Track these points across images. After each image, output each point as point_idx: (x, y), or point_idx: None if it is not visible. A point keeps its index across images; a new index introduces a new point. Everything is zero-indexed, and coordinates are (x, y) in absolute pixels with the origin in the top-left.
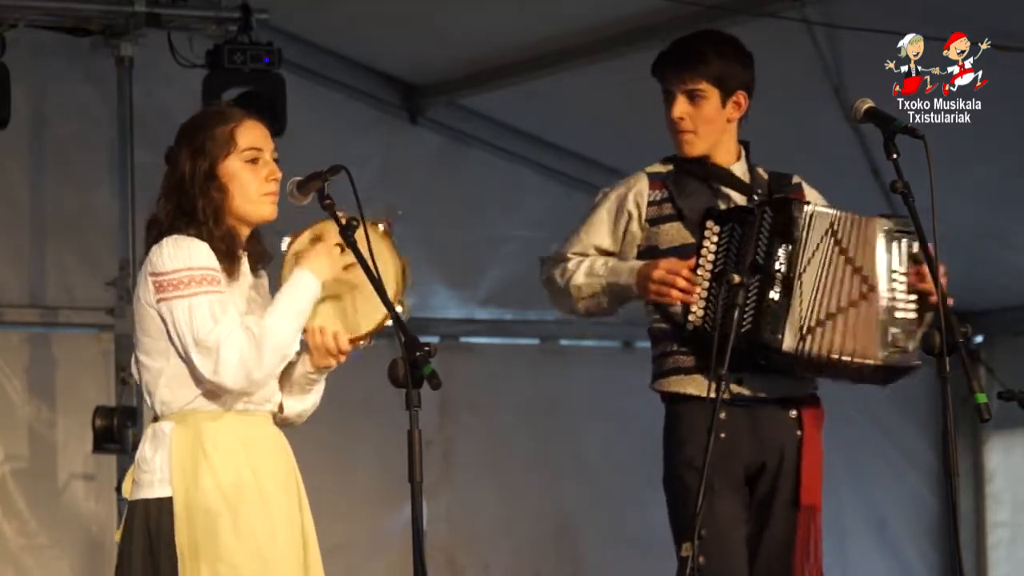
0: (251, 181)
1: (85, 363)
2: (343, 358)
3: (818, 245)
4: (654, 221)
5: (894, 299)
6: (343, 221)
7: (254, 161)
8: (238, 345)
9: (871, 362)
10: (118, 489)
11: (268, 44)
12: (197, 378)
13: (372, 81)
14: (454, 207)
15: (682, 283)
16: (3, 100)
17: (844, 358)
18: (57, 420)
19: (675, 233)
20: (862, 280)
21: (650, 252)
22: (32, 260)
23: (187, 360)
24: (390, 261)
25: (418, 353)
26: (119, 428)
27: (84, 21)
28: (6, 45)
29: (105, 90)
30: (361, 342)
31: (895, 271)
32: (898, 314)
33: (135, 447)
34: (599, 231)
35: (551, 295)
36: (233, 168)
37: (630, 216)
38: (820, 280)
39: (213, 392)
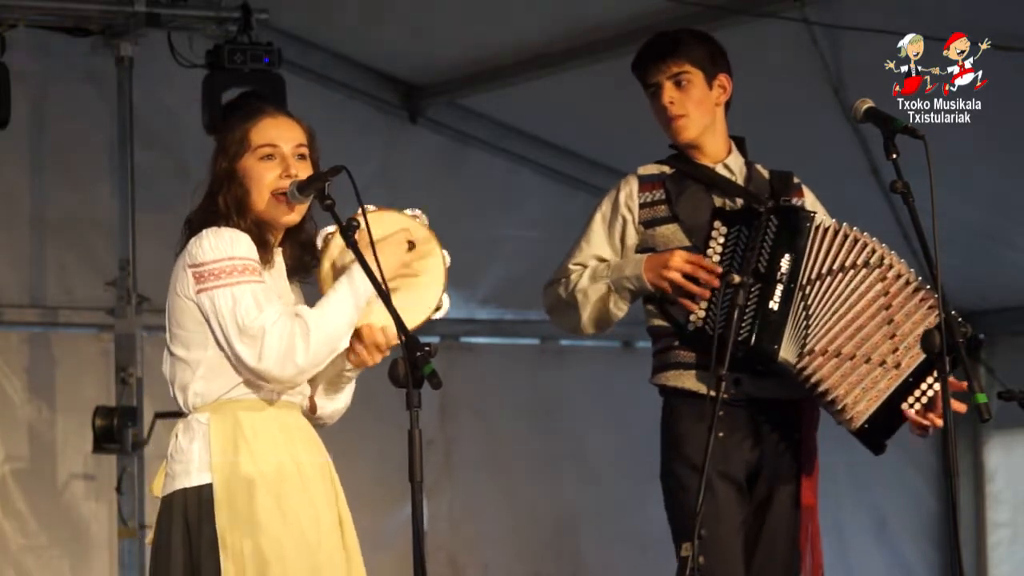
0: (263, 177)
1: (85, 363)
2: (387, 353)
3: (844, 266)
4: (649, 223)
5: (911, 392)
6: (343, 222)
7: (270, 158)
8: (284, 332)
9: (854, 423)
10: (118, 489)
11: (268, 44)
12: (237, 368)
13: (372, 81)
14: (454, 207)
15: (704, 276)
16: (3, 100)
17: (835, 398)
18: (57, 420)
19: (671, 235)
20: (894, 349)
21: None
22: (32, 260)
23: (229, 349)
24: (438, 252)
25: (418, 353)
26: (119, 428)
27: (84, 21)
28: (6, 45)
29: (105, 90)
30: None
31: (930, 382)
32: (904, 406)
33: (135, 447)
34: (597, 240)
35: (556, 315)
36: (248, 166)
37: (624, 220)
38: (846, 313)
39: (251, 382)
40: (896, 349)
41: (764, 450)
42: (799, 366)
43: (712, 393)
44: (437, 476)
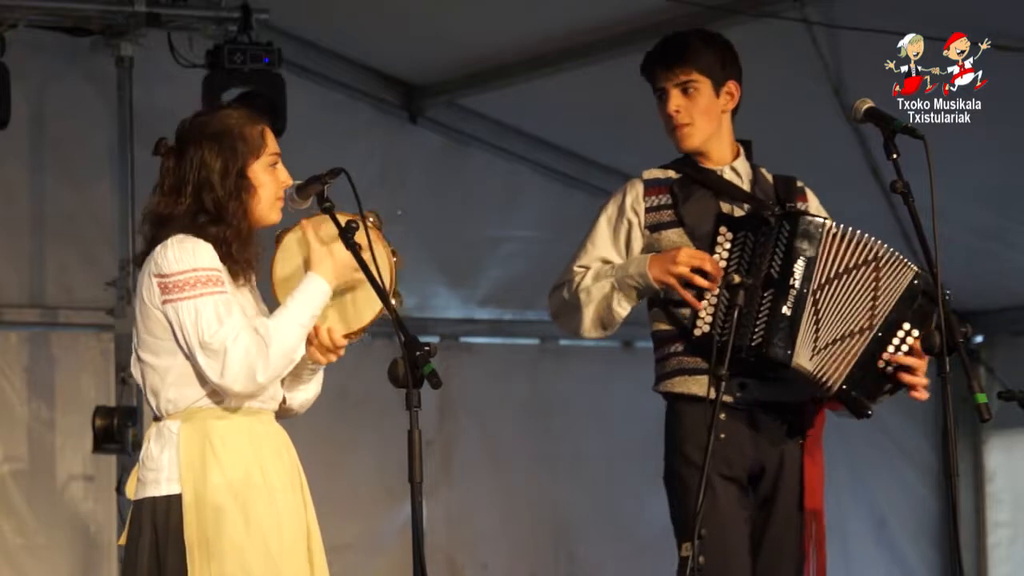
0: (270, 185)
1: (85, 363)
2: (341, 353)
3: (848, 268)
4: (654, 227)
5: (886, 348)
6: (343, 223)
7: (274, 166)
8: (244, 348)
9: (832, 388)
10: (118, 489)
11: (268, 44)
12: (203, 378)
13: (372, 81)
14: (454, 207)
15: (710, 268)
16: (3, 100)
17: (821, 377)
18: (56, 420)
19: (676, 239)
20: (872, 314)
21: None
22: (32, 260)
23: (193, 361)
24: (383, 252)
25: (418, 353)
26: (119, 428)
27: (84, 21)
28: (6, 45)
29: (105, 90)
30: (358, 336)
31: (906, 330)
32: (879, 364)
33: (135, 447)
34: (603, 242)
35: (561, 318)
36: (259, 171)
37: (630, 223)
38: (843, 304)
39: (219, 391)
40: (873, 313)
41: (767, 453)
42: (808, 369)
43: (712, 395)
44: (436, 476)
